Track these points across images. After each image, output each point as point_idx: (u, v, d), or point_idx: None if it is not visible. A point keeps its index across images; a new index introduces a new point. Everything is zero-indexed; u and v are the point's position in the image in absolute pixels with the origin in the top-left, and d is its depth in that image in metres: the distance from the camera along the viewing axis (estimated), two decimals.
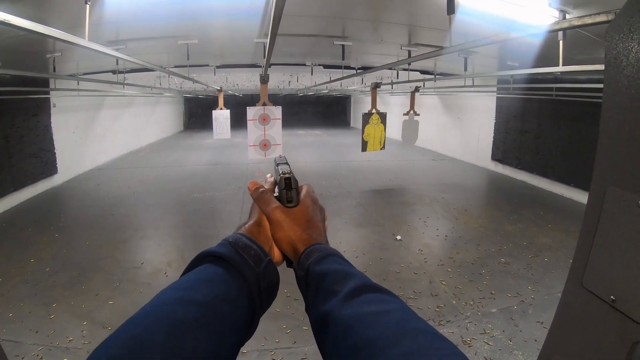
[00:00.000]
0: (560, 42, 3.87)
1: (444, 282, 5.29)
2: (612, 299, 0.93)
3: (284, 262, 0.78)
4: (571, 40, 4.03)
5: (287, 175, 0.77)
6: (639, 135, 0.86)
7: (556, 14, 3.76)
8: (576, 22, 2.26)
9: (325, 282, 0.61)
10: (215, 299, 0.54)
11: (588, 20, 2.12)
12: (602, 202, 0.95)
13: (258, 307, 0.62)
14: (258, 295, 0.62)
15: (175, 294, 0.54)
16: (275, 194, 0.80)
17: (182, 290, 0.55)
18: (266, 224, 0.75)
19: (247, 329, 0.59)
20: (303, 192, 0.81)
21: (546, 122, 10.65)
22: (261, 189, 0.79)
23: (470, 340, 4.06)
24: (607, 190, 0.94)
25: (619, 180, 0.91)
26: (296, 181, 0.78)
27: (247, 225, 0.74)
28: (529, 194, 10.21)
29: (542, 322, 4.29)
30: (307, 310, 0.63)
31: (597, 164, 0.97)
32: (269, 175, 0.89)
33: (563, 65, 4.29)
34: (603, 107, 0.96)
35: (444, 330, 4.24)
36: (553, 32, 3.07)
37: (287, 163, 0.85)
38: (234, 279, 0.60)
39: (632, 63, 0.88)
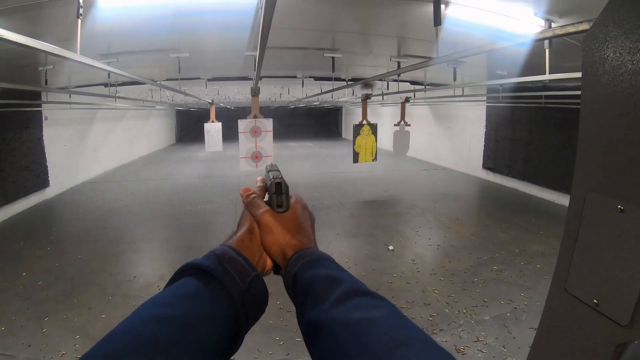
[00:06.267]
0: (547, 51, 3.92)
1: (436, 291, 5.29)
2: (595, 302, 0.95)
3: (272, 271, 0.77)
4: (558, 48, 4.08)
5: (277, 180, 0.77)
6: (617, 142, 0.88)
7: (542, 23, 3.81)
8: (559, 31, 2.30)
9: (313, 288, 0.60)
10: (195, 315, 0.53)
11: (571, 29, 2.16)
12: (582, 208, 0.97)
13: (243, 323, 0.61)
14: (243, 311, 0.60)
15: (153, 310, 0.52)
16: (265, 199, 0.80)
17: (161, 306, 0.53)
18: (257, 231, 0.74)
19: (230, 346, 0.58)
20: (293, 198, 0.80)
21: (536, 129, 10.74)
22: (252, 194, 0.79)
23: (463, 349, 4.06)
24: (587, 196, 0.96)
25: (598, 185, 0.93)
26: (287, 186, 0.78)
27: (237, 235, 0.73)
28: (521, 202, 10.27)
29: (535, 329, 4.28)
30: (297, 317, 0.62)
31: (576, 170, 0.99)
32: (259, 178, 0.88)
33: (550, 73, 4.34)
34: (581, 114, 0.98)
35: (437, 339, 4.22)
36: (539, 41, 3.12)
37: (278, 170, 0.85)
38: (217, 294, 0.58)
39: (608, 71, 0.90)
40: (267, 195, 0.80)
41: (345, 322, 0.52)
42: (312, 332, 0.56)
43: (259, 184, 0.86)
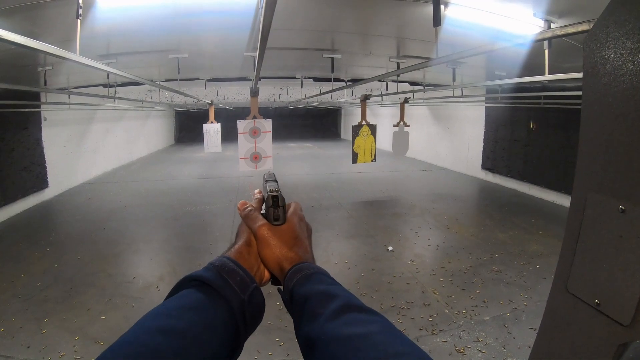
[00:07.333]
0: (546, 52, 3.93)
1: (436, 292, 5.29)
2: (596, 302, 0.95)
3: (270, 281, 0.78)
4: (557, 48, 4.08)
5: (274, 193, 0.77)
6: (618, 142, 0.89)
7: (541, 24, 3.82)
8: (559, 32, 2.31)
9: (308, 304, 0.61)
10: (197, 327, 0.54)
11: (570, 30, 2.17)
12: (583, 208, 0.97)
13: (242, 333, 0.62)
14: (242, 322, 0.62)
15: (156, 322, 0.54)
16: (262, 212, 0.80)
17: (163, 318, 0.55)
18: (255, 243, 0.75)
19: (230, 355, 0.59)
20: (290, 210, 0.80)
21: (535, 129, 10.75)
22: (249, 207, 0.80)
23: (463, 349, 4.06)
24: (588, 196, 0.96)
25: (600, 186, 0.93)
26: (283, 199, 0.78)
27: (236, 247, 0.74)
28: (520, 202, 10.28)
29: (535, 329, 4.29)
30: (295, 331, 0.63)
31: (577, 170, 0.99)
32: (257, 191, 0.89)
33: (549, 74, 4.35)
34: (582, 115, 0.98)
35: (437, 340, 4.24)
36: (538, 42, 3.12)
37: (275, 180, 0.85)
38: (218, 306, 0.60)
39: (609, 72, 0.90)
40: (264, 208, 0.81)
41: (340, 337, 0.53)
42: (308, 347, 0.57)
43: (256, 196, 0.86)
